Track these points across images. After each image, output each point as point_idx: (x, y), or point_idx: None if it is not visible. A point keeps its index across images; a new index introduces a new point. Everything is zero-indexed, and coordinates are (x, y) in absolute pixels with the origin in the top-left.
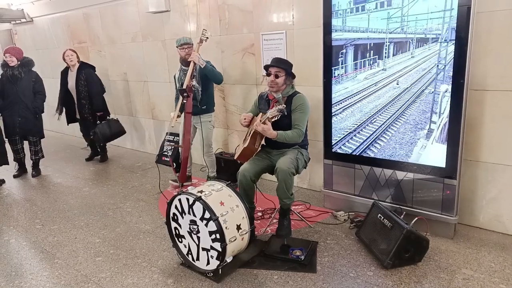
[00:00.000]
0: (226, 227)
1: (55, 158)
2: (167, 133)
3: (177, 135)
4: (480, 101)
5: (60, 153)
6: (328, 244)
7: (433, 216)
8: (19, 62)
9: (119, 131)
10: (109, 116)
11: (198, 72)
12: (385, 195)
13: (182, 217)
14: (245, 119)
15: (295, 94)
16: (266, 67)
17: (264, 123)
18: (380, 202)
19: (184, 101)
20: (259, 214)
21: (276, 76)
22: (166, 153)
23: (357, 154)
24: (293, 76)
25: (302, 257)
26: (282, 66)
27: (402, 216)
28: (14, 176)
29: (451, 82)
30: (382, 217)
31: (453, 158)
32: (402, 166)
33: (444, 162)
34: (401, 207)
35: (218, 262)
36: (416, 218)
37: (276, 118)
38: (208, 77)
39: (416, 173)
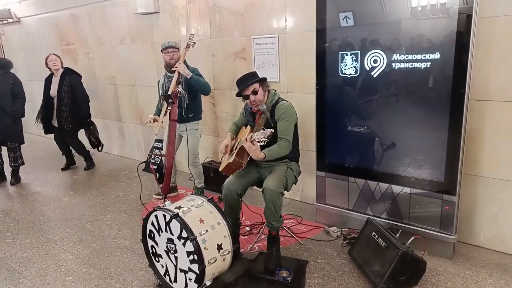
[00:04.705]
0: (205, 248)
1: (39, 164)
2: (155, 140)
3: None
4: (481, 112)
5: (45, 159)
6: (319, 263)
7: (431, 235)
8: None
9: None
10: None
11: (184, 79)
12: (381, 210)
13: (159, 235)
14: (226, 147)
15: (278, 102)
16: (239, 94)
17: (252, 143)
18: (374, 219)
19: (169, 107)
20: (247, 229)
21: (254, 93)
22: (153, 161)
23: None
24: (265, 79)
25: (289, 279)
26: (251, 82)
27: (398, 234)
28: None
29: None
30: (377, 236)
31: (453, 172)
32: (398, 179)
33: (442, 176)
34: (397, 224)
35: (196, 286)
36: (413, 238)
37: (263, 144)
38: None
39: (413, 187)
